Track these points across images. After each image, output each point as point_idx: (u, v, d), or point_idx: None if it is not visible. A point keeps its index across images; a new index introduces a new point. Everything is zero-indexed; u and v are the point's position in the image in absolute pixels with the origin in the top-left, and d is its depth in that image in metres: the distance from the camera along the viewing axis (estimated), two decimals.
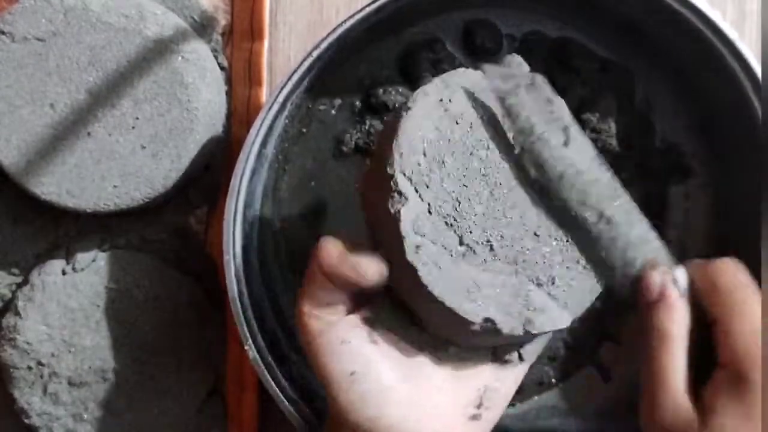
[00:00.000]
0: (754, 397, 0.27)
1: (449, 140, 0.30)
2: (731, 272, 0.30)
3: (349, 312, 0.31)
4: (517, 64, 0.33)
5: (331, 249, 0.30)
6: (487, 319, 0.29)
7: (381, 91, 0.42)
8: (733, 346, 0.28)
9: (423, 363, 0.31)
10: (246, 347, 0.37)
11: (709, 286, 0.30)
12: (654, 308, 0.30)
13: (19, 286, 0.43)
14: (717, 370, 0.29)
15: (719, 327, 0.29)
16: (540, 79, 0.31)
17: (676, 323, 0.30)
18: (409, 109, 0.30)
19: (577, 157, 0.30)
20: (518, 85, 0.31)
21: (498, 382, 0.32)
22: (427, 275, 0.28)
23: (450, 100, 0.30)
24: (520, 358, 0.32)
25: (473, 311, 0.29)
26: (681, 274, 0.30)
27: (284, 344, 0.40)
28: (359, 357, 0.30)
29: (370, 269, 0.29)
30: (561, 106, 0.32)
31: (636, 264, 0.31)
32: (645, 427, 0.31)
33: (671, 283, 0.30)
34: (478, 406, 0.32)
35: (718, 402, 0.28)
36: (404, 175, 0.29)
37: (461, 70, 0.32)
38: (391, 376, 0.30)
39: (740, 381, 0.28)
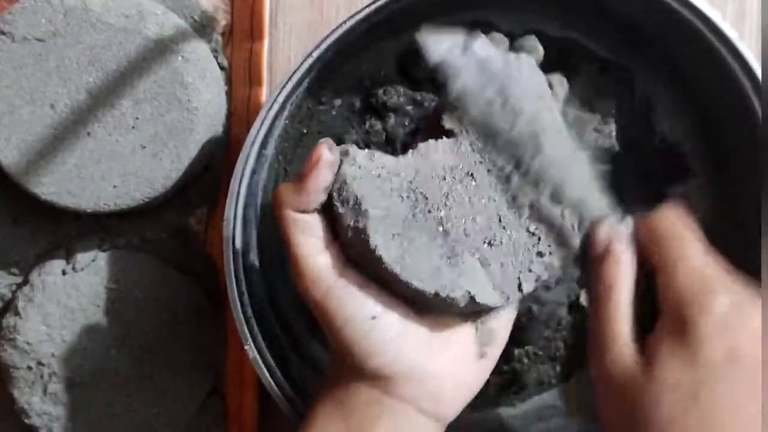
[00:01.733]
0: (696, 341, 0.27)
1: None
2: (669, 220, 0.30)
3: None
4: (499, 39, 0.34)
5: (283, 186, 0.30)
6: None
7: (381, 91, 0.42)
8: (674, 291, 0.28)
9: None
10: (246, 347, 0.37)
11: (650, 236, 0.30)
12: (601, 261, 0.30)
13: (19, 286, 0.43)
14: (659, 318, 0.29)
15: (660, 274, 0.29)
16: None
17: (622, 274, 0.30)
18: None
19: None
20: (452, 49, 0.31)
21: (494, 322, 0.33)
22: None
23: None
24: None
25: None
26: (625, 228, 0.31)
27: (284, 344, 0.40)
28: (379, 300, 0.30)
29: (320, 150, 0.30)
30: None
31: (583, 223, 0.31)
32: (594, 377, 0.31)
33: (616, 236, 0.30)
34: (484, 345, 0.33)
35: (661, 350, 0.28)
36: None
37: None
38: (408, 320, 0.31)
39: (683, 325, 0.27)
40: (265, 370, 0.37)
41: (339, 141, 0.42)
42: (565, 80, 0.35)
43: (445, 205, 0.31)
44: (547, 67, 0.42)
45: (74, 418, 0.42)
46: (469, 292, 0.30)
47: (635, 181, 0.43)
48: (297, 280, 0.30)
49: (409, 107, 0.42)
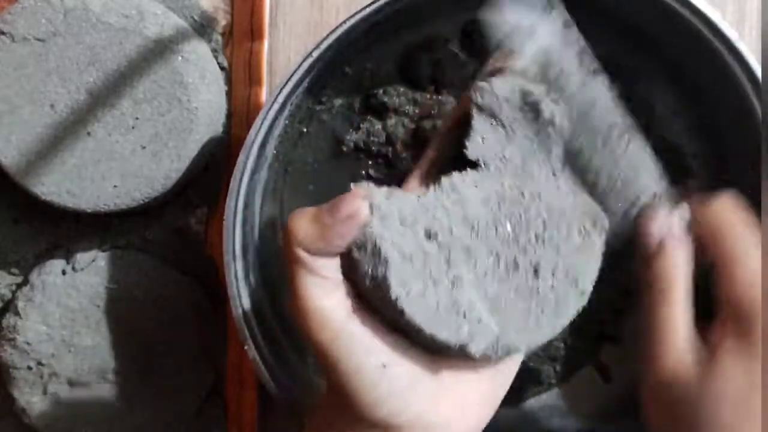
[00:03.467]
0: (756, 338, 0.27)
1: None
2: (727, 213, 0.29)
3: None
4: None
5: (300, 222, 0.27)
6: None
7: (381, 91, 0.42)
8: (736, 290, 0.28)
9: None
10: (246, 347, 0.37)
11: (709, 229, 0.29)
12: (655, 257, 0.29)
13: (19, 286, 0.43)
14: (719, 312, 0.28)
15: (719, 270, 0.28)
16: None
17: (680, 273, 0.29)
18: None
19: (596, 91, 0.29)
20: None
21: (503, 365, 0.32)
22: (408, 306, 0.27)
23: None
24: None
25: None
26: (681, 216, 0.30)
27: (284, 344, 0.40)
28: (390, 347, 0.28)
29: (354, 199, 0.27)
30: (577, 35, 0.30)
31: (638, 203, 0.30)
32: (651, 382, 0.30)
33: (671, 229, 0.29)
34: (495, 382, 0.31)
35: (724, 344, 0.28)
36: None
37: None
38: (419, 367, 0.29)
39: (743, 322, 0.28)
40: (265, 370, 0.37)
41: (339, 141, 0.42)
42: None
43: (468, 253, 0.28)
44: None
45: (74, 418, 0.42)
46: (496, 341, 0.28)
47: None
48: (300, 320, 0.28)
49: (409, 107, 0.42)
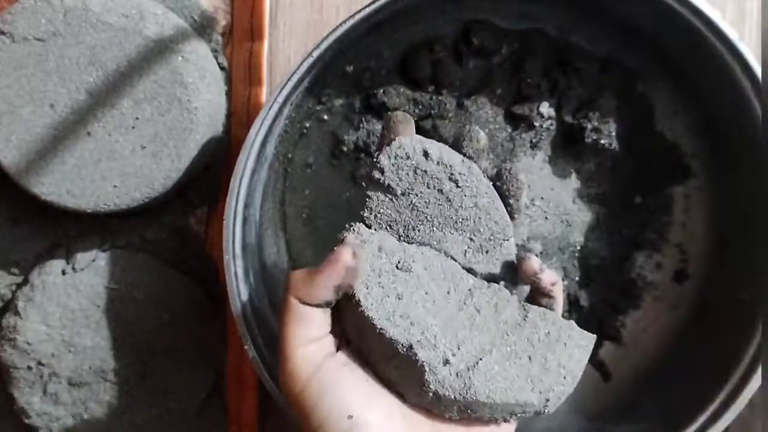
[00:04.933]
0: None
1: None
2: None
3: (335, 347, 0.30)
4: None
5: (297, 272, 0.29)
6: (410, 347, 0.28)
7: (381, 91, 0.42)
8: None
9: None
10: (246, 347, 0.37)
11: None
12: None
13: (19, 286, 0.43)
14: None
15: None
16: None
17: None
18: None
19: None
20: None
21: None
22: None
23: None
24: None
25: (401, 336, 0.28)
26: None
27: None
28: (357, 397, 0.28)
29: (343, 253, 0.28)
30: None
31: None
32: None
33: None
34: None
35: None
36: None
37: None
38: (391, 419, 0.28)
39: None
40: (265, 370, 0.37)
41: (339, 141, 0.42)
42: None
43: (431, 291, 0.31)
44: (547, 67, 0.42)
45: (74, 418, 0.42)
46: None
47: (635, 181, 0.43)
48: (278, 371, 0.28)
49: (409, 107, 0.42)
